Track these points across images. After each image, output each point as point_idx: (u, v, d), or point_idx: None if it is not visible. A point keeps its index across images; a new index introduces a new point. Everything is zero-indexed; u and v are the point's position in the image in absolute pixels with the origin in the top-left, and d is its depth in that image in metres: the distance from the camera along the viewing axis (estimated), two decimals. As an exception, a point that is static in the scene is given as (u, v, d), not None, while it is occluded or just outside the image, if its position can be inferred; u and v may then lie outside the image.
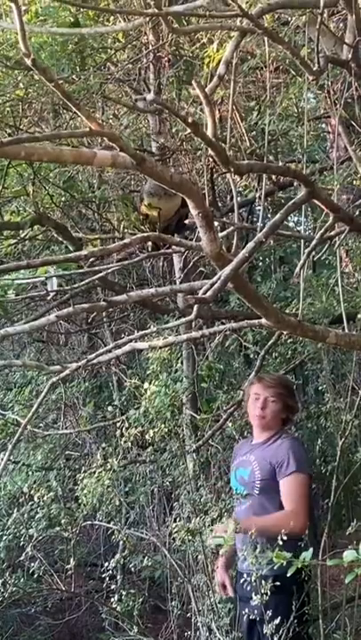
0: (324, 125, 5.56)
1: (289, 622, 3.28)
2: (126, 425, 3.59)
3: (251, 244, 2.37)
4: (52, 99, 4.22)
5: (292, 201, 2.51)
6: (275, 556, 1.93)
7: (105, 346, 4.35)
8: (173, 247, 3.46)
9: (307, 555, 1.88)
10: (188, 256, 4.57)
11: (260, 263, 5.68)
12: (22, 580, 4.34)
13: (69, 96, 2.04)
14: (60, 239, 4.12)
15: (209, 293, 2.31)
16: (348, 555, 1.80)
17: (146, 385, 3.68)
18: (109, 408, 5.05)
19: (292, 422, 4.11)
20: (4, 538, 4.48)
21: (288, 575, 2.53)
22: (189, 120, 2.06)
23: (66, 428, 5.31)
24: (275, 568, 3.05)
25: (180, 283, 4.52)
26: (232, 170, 2.31)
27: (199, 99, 2.21)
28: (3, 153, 2.08)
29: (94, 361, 2.75)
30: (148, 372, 3.83)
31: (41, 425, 5.36)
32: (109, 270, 2.79)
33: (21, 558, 4.29)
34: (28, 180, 4.10)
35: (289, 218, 6.24)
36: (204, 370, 4.68)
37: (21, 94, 4.14)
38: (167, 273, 5.44)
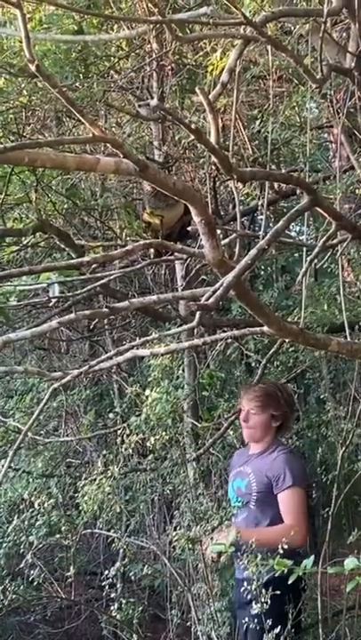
0: (326, 135, 5.57)
1: (285, 630, 3.27)
2: (127, 432, 3.58)
3: (253, 252, 2.38)
4: (56, 106, 4.23)
5: (295, 208, 2.51)
6: (275, 563, 1.92)
7: (106, 353, 4.34)
8: (176, 254, 3.47)
9: (308, 562, 1.88)
10: (190, 264, 4.57)
11: (263, 272, 5.67)
12: (22, 587, 4.32)
13: (73, 102, 2.05)
14: (63, 246, 4.12)
15: (211, 300, 2.31)
16: (349, 563, 1.79)
17: (147, 392, 3.68)
18: (110, 415, 5.04)
19: (289, 429, 4.08)
20: (4, 545, 4.47)
21: (285, 582, 2.53)
22: (192, 127, 2.06)
23: (67, 436, 5.30)
24: (269, 574, 3.06)
25: (183, 291, 4.52)
26: (235, 177, 2.31)
27: (202, 107, 2.22)
28: (6, 159, 2.09)
29: (96, 368, 2.75)
30: (149, 380, 3.82)
31: (42, 432, 5.35)
32: (111, 277, 2.79)
33: (21, 566, 4.27)
34: (31, 188, 4.11)
35: (291, 227, 6.24)
36: (205, 378, 4.67)
37: (25, 101, 4.15)
38: (169, 281, 5.44)
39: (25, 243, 4.18)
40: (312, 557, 1.96)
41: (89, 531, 4.64)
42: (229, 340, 4.74)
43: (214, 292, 2.32)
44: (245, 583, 3.22)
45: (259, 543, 3.22)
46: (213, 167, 3.52)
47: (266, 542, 3.30)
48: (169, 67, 4.21)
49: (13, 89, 4.07)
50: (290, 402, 3.90)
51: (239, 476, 3.74)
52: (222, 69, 2.71)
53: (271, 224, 4.94)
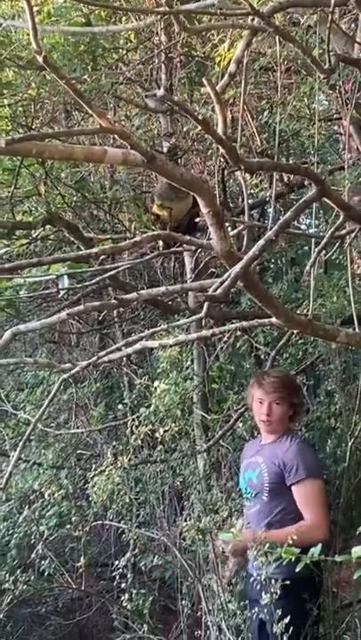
0: (336, 127, 5.55)
1: (305, 626, 3.28)
2: (136, 423, 3.60)
3: (261, 242, 2.37)
4: (64, 98, 4.24)
5: (303, 199, 2.51)
6: (284, 551, 1.93)
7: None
8: (184, 246, 3.47)
9: (315, 550, 1.88)
10: (199, 256, 4.58)
11: (272, 265, 5.67)
12: (33, 578, 4.35)
13: (81, 94, 2.05)
14: (72, 239, 4.13)
15: (219, 291, 2.31)
16: (358, 550, 1.80)
17: (156, 383, 3.69)
18: (120, 407, 5.06)
19: (300, 418, 4.06)
20: (15, 536, 4.50)
21: (297, 576, 2.52)
22: (200, 118, 2.06)
23: (77, 428, 5.32)
24: (285, 570, 3.04)
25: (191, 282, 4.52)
26: (242, 168, 2.31)
27: (211, 99, 2.22)
28: (14, 150, 2.10)
29: (105, 359, 2.75)
30: (158, 371, 3.83)
31: (53, 425, 5.38)
32: (120, 269, 2.79)
33: (32, 557, 4.30)
34: (40, 181, 4.13)
35: (301, 220, 6.23)
36: (214, 370, 4.68)
37: (33, 94, 4.16)
38: (178, 274, 5.44)
39: (35, 235, 4.20)
40: (319, 546, 1.96)
41: (99, 522, 4.66)
42: (238, 333, 4.74)
43: (222, 283, 2.33)
44: (258, 576, 3.23)
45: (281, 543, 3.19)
46: (222, 159, 3.52)
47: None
48: (177, 59, 4.21)
49: (22, 81, 4.08)
50: (301, 390, 3.91)
51: (250, 467, 3.72)
52: (230, 60, 2.70)
53: (281, 216, 4.94)
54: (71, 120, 4.79)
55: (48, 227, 4.16)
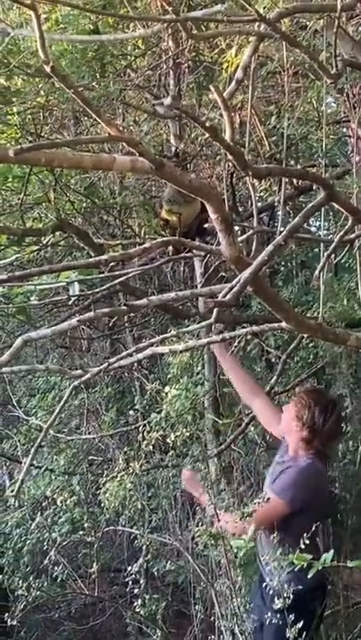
0: (345, 130, 5.55)
1: (309, 631, 3.28)
2: (147, 429, 3.60)
3: (270, 248, 2.38)
4: (73, 106, 4.25)
5: (311, 204, 2.51)
6: (295, 558, 1.93)
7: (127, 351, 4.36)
8: (194, 251, 3.48)
9: (328, 557, 1.88)
10: (209, 261, 4.58)
11: (282, 268, 5.67)
12: (46, 584, 4.36)
13: (89, 102, 2.06)
14: (82, 245, 4.14)
15: (228, 296, 2.31)
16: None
17: (167, 389, 3.69)
18: (131, 412, 5.07)
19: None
20: (28, 542, 4.51)
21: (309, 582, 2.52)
22: (207, 125, 2.07)
23: (89, 434, 5.33)
24: (296, 578, 3.05)
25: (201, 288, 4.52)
26: (250, 174, 2.32)
27: (219, 103, 2.22)
28: (24, 159, 2.11)
29: (115, 365, 2.76)
30: (169, 376, 3.84)
31: (64, 430, 5.39)
32: (130, 275, 2.80)
33: (45, 563, 4.31)
34: (50, 187, 4.14)
35: (311, 222, 6.22)
36: (226, 374, 4.68)
37: (42, 102, 4.17)
38: (188, 278, 5.45)
39: (45, 242, 4.21)
40: (332, 552, 1.96)
41: (112, 528, 4.67)
42: (249, 337, 4.74)
43: (232, 288, 2.33)
44: (267, 580, 3.24)
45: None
46: (230, 164, 3.53)
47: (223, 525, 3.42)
48: (185, 64, 4.22)
49: (31, 89, 4.10)
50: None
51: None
52: (237, 66, 2.71)
53: (290, 219, 4.94)
54: (80, 126, 4.80)
55: (58, 233, 4.18)
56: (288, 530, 3.29)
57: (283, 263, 5.51)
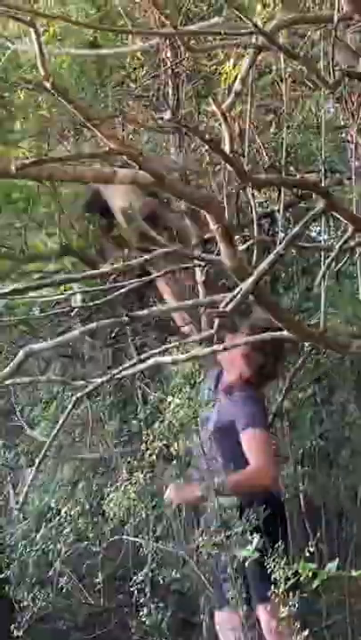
0: (345, 135, 5.55)
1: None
2: (150, 438, 3.61)
3: (270, 257, 2.40)
4: (73, 117, 4.26)
5: (310, 213, 2.53)
6: (301, 567, 1.93)
7: (129, 359, 4.36)
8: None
9: (332, 566, 1.89)
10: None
11: (283, 274, 5.66)
12: (51, 595, 4.35)
13: (89, 117, 2.08)
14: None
15: (229, 307, 2.33)
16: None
17: (169, 398, 3.70)
18: (133, 422, 5.07)
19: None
20: (33, 554, 4.50)
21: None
22: (206, 137, 2.09)
23: (92, 443, 5.33)
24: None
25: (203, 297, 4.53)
26: (250, 184, 2.33)
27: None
28: (25, 174, 2.12)
29: (118, 376, 2.77)
30: (171, 385, 3.84)
31: (68, 440, 5.38)
32: (131, 286, 2.82)
33: (50, 574, 4.30)
34: (55, 212, 4.14)
35: (312, 227, 6.22)
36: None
37: (43, 114, 4.19)
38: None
39: (49, 269, 4.22)
40: (336, 561, 1.97)
41: (116, 537, 4.66)
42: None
43: (232, 299, 2.35)
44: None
45: (232, 490, 3.36)
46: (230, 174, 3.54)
47: (238, 487, 3.40)
48: (183, 74, 4.23)
49: (32, 102, 4.12)
50: None
51: None
52: (236, 77, 2.73)
53: (291, 226, 4.94)
54: (81, 137, 4.81)
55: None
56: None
57: (283, 269, 5.52)
